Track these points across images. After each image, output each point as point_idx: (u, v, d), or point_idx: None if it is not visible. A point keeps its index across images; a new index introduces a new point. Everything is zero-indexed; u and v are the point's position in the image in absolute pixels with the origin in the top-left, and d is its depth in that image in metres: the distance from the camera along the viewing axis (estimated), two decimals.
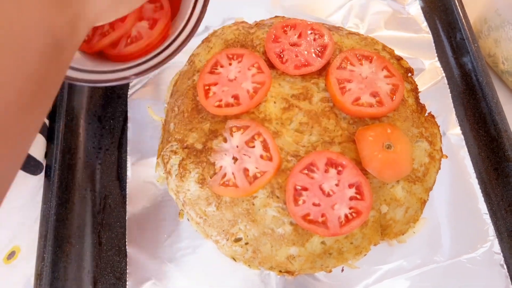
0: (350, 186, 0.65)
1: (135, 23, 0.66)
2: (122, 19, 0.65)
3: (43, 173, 0.73)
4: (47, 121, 0.76)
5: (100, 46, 0.65)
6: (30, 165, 0.69)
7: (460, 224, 0.74)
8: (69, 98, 0.83)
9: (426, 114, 0.77)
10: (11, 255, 0.69)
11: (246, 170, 0.67)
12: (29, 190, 0.71)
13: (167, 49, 0.65)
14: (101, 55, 0.67)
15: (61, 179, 0.75)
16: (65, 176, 0.76)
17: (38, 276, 0.68)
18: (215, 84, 0.74)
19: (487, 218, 0.74)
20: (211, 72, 0.76)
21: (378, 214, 0.68)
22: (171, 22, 0.68)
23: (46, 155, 0.77)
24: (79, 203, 0.76)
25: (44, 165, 0.74)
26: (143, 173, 0.79)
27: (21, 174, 0.66)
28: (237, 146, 0.69)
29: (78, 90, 0.85)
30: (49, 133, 0.79)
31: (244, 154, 0.68)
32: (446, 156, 0.76)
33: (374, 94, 0.72)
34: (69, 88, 0.83)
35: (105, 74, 0.63)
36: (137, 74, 0.63)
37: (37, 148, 0.71)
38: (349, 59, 0.76)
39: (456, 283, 0.71)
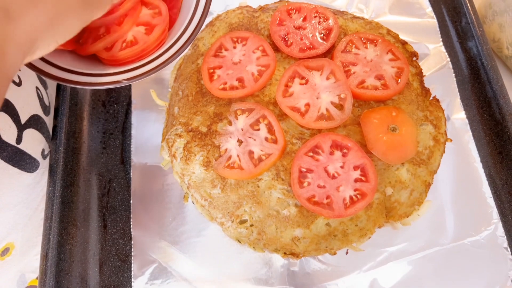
0: (355, 168, 0.65)
1: (131, 27, 0.65)
2: (119, 23, 0.64)
3: (38, 171, 0.72)
4: (45, 118, 0.75)
5: (94, 49, 0.64)
6: (26, 162, 0.68)
7: (464, 207, 0.74)
8: None
9: (431, 98, 0.77)
10: (5, 251, 0.69)
11: (251, 153, 0.67)
12: (23, 188, 0.69)
13: (162, 56, 0.65)
14: (94, 58, 0.66)
15: (66, 162, 0.75)
16: (70, 159, 0.77)
17: (44, 257, 0.69)
18: (220, 67, 0.74)
19: (491, 201, 0.74)
20: (216, 56, 0.75)
21: (383, 196, 0.68)
22: (169, 30, 0.68)
23: (52, 139, 0.77)
24: (84, 186, 0.77)
25: (41, 162, 0.73)
26: (148, 156, 0.79)
27: (16, 171, 0.65)
28: (242, 129, 0.69)
29: None
30: (54, 118, 0.79)
31: (249, 137, 0.68)
32: (451, 140, 0.76)
33: (379, 77, 0.72)
34: None
35: (97, 77, 0.62)
36: (129, 79, 0.63)
37: (33, 145, 0.71)
38: (354, 42, 0.75)
39: (460, 265, 0.71)
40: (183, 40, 0.65)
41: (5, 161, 0.62)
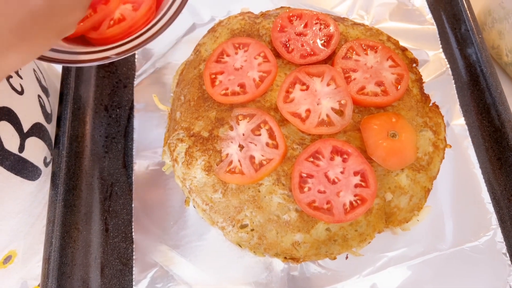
0: (355, 173, 0.66)
1: (118, 6, 0.65)
2: (105, 1, 0.64)
3: (40, 179, 0.73)
4: (48, 126, 0.76)
5: (82, 30, 0.64)
6: (28, 170, 0.69)
7: (463, 212, 0.74)
8: (76, 87, 0.83)
9: (431, 104, 0.77)
10: (7, 259, 0.69)
11: (252, 158, 0.68)
12: (26, 196, 0.70)
13: (150, 30, 0.65)
14: (82, 40, 0.66)
15: (69, 166, 0.76)
16: (73, 163, 0.77)
17: (46, 260, 0.69)
18: (221, 73, 0.75)
19: (490, 207, 0.75)
20: (218, 61, 0.76)
21: (383, 202, 0.68)
22: (158, 6, 0.68)
23: (55, 143, 0.77)
24: (86, 190, 0.77)
25: (43, 170, 0.74)
26: (150, 161, 0.80)
27: (18, 179, 0.65)
28: (243, 134, 0.70)
29: (85, 79, 0.86)
30: (57, 122, 0.80)
31: (250, 142, 0.69)
32: (450, 146, 0.77)
33: (379, 84, 0.73)
34: (76, 77, 0.84)
35: (86, 55, 0.62)
36: (119, 54, 0.63)
37: (36, 153, 0.71)
38: (354, 49, 0.76)
39: (459, 271, 0.71)
40: (170, 13, 0.65)
41: (8, 169, 0.62)
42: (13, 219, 0.67)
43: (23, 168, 0.66)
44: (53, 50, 0.61)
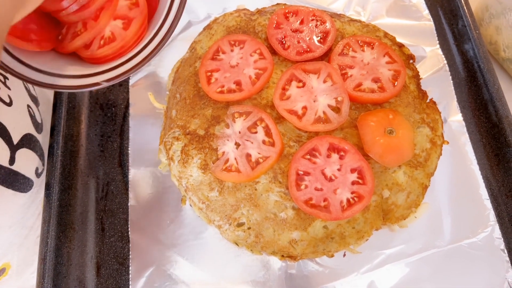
0: (352, 171, 0.65)
1: (108, 22, 0.63)
2: (95, 18, 0.62)
3: (32, 190, 0.72)
4: (38, 136, 0.75)
5: (73, 47, 0.63)
6: (19, 183, 0.67)
7: (461, 209, 0.74)
8: None
9: (428, 101, 0.77)
10: (1, 272, 0.68)
11: (248, 156, 0.67)
12: (18, 208, 0.69)
13: (141, 53, 0.63)
14: (75, 56, 0.65)
15: (64, 165, 0.75)
16: (68, 162, 0.77)
17: (42, 260, 0.69)
18: (217, 70, 0.74)
19: (488, 203, 0.75)
20: (213, 59, 0.76)
21: (380, 199, 0.68)
22: (148, 22, 0.65)
23: (50, 141, 0.77)
24: (82, 190, 0.77)
25: (35, 181, 0.73)
26: (145, 159, 0.79)
27: (10, 192, 0.65)
28: (240, 132, 0.69)
29: None
30: (51, 121, 0.79)
31: (247, 140, 0.68)
32: (448, 142, 0.76)
33: (376, 80, 0.72)
34: None
35: (76, 79, 0.61)
36: (109, 80, 0.61)
37: (27, 164, 0.69)
38: (350, 45, 0.76)
39: (457, 267, 0.71)
40: (162, 34, 0.63)
41: None
42: (6, 232, 0.66)
43: (14, 181, 0.65)
44: (43, 72, 0.59)
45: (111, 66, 0.62)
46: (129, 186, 0.77)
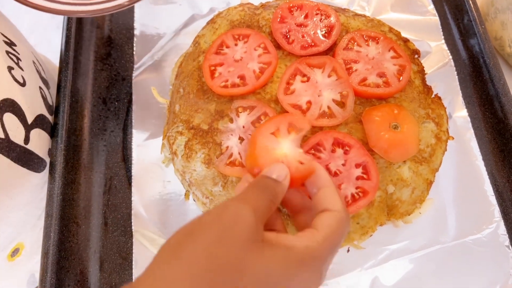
0: (357, 166, 0.65)
1: None
2: None
3: (46, 170, 0.72)
4: (50, 118, 0.75)
5: None
6: (34, 162, 0.68)
7: (465, 205, 0.74)
8: (74, 80, 0.82)
9: (433, 96, 0.76)
10: (15, 252, 0.68)
11: None
12: (32, 188, 0.69)
13: None
14: None
15: (67, 159, 0.75)
16: (71, 157, 0.76)
17: (45, 255, 0.69)
18: (221, 64, 0.74)
19: (493, 199, 0.74)
20: (217, 53, 0.75)
21: (385, 194, 0.68)
22: None
23: (52, 136, 0.77)
24: (85, 184, 0.76)
25: (48, 162, 0.73)
26: (149, 154, 0.79)
27: (24, 171, 0.65)
28: (243, 127, 0.69)
29: (82, 72, 0.85)
30: (54, 116, 0.79)
31: (250, 134, 0.68)
32: (453, 138, 0.76)
33: (380, 75, 0.72)
34: (74, 70, 0.83)
35: (97, 5, 0.63)
36: (132, 1, 0.63)
37: (40, 145, 0.70)
38: (355, 40, 0.75)
39: (461, 263, 0.71)
40: None
41: (14, 161, 0.62)
42: (21, 211, 0.67)
43: (29, 160, 0.66)
44: (62, 3, 0.61)
45: None
46: (132, 180, 0.77)
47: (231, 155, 0.68)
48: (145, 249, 0.72)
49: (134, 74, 0.86)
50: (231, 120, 0.70)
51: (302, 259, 0.41)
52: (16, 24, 0.73)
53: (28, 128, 0.65)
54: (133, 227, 0.74)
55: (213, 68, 0.74)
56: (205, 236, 0.38)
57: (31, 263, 0.71)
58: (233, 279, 0.36)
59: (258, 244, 0.40)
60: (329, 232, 0.44)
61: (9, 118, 0.60)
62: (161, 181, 0.77)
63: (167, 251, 0.38)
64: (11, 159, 0.61)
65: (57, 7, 0.61)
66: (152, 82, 0.85)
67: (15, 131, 0.61)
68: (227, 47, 0.75)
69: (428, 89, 0.76)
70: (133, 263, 0.72)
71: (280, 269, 0.39)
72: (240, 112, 0.70)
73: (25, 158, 0.65)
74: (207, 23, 0.84)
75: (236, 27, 0.79)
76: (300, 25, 0.76)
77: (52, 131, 0.75)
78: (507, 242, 0.72)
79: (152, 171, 0.78)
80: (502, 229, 0.73)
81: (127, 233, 0.74)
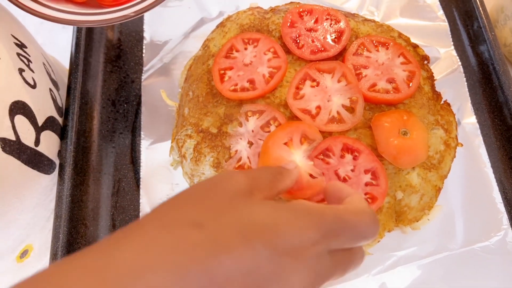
0: (366, 171, 0.65)
1: None
2: None
3: (55, 172, 0.72)
4: (60, 120, 0.76)
5: None
6: (44, 164, 0.68)
7: (474, 212, 0.74)
8: (84, 82, 0.83)
9: (442, 102, 0.76)
10: (24, 253, 0.68)
11: None
12: (42, 189, 0.69)
13: None
14: (94, 4, 0.66)
15: (76, 161, 0.75)
16: (80, 158, 0.77)
17: (54, 256, 0.69)
18: (231, 68, 0.74)
19: (501, 206, 0.74)
20: (227, 57, 0.75)
21: (393, 200, 0.68)
22: None
23: (62, 138, 0.77)
24: (94, 186, 0.77)
25: (58, 163, 0.74)
26: (157, 157, 0.79)
27: (34, 173, 0.65)
28: (253, 131, 0.69)
29: (92, 74, 0.85)
30: (64, 117, 0.79)
31: (259, 139, 0.68)
32: (462, 144, 0.76)
33: (390, 81, 0.72)
34: (84, 72, 0.83)
35: (104, 15, 0.62)
36: (138, 12, 0.62)
37: (50, 146, 0.70)
38: (365, 45, 0.75)
39: (469, 271, 0.70)
40: None
41: (25, 163, 0.62)
42: (30, 212, 0.67)
43: (39, 162, 0.66)
44: (67, 12, 0.61)
45: (136, 1, 0.63)
46: (141, 183, 0.77)
47: (240, 159, 0.68)
48: None
49: (143, 76, 0.87)
50: (240, 124, 0.70)
51: (302, 209, 0.36)
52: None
53: (38, 130, 0.65)
54: None
55: (222, 72, 0.74)
56: (193, 191, 0.38)
57: (40, 265, 0.71)
58: (216, 218, 0.33)
59: (248, 195, 0.37)
60: (355, 211, 0.39)
61: (20, 121, 0.61)
62: (169, 184, 0.77)
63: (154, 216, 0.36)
64: (22, 161, 0.61)
65: (63, 17, 0.61)
66: (161, 85, 0.86)
67: (26, 133, 0.62)
68: (237, 51, 0.75)
69: (437, 95, 0.76)
70: None
71: (269, 213, 0.35)
72: (249, 116, 0.70)
73: (36, 160, 0.65)
74: (217, 27, 0.84)
75: (246, 31, 0.80)
76: (310, 29, 0.76)
77: (62, 133, 0.75)
78: None
79: (160, 173, 0.78)
80: (510, 236, 0.72)
81: None
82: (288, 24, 0.77)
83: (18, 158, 0.60)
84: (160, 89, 0.85)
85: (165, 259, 0.29)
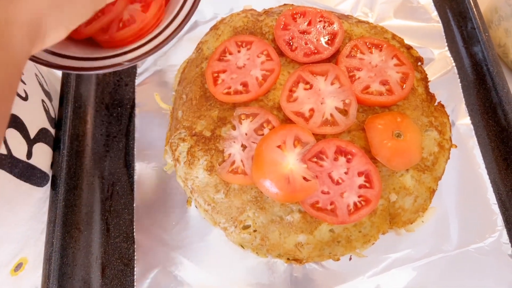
0: (359, 174, 0.65)
1: (126, 6, 0.63)
2: (113, 2, 0.61)
3: (48, 184, 0.72)
4: (53, 131, 0.75)
5: (90, 32, 0.62)
6: (37, 177, 0.68)
7: (468, 213, 0.74)
8: (77, 85, 0.83)
9: (436, 104, 0.76)
10: (18, 266, 0.68)
11: None
12: (35, 202, 0.69)
13: (162, 33, 0.62)
14: (90, 42, 0.64)
15: (69, 165, 0.75)
16: (73, 162, 0.76)
17: (47, 261, 0.69)
18: (224, 71, 0.74)
19: (495, 208, 0.74)
20: (220, 60, 0.75)
21: (387, 203, 0.68)
22: (165, 5, 0.66)
23: (55, 142, 0.77)
24: (87, 190, 0.76)
25: (51, 175, 0.73)
26: (151, 160, 0.79)
27: (27, 186, 0.65)
28: (246, 134, 0.69)
29: (86, 77, 0.85)
30: (57, 123, 0.79)
31: (253, 142, 0.68)
32: (456, 146, 0.76)
33: (384, 83, 0.72)
34: (77, 76, 0.83)
35: (98, 61, 0.60)
36: (131, 60, 0.61)
37: (43, 159, 0.70)
38: (358, 47, 0.75)
39: (464, 272, 0.70)
40: (182, 16, 0.63)
41: (17, 177, 0.61)
42: (24, 226, 0.67)
43: (31, 175, 0.65)
44: (63, 56, 0.59)
45: (132, 47, 0.62)
46: (135, 186, 0.77)
47: (233, 163, 0.68)
48: (147, 256, 0.72)
49: (137, 80, 0.86)
50: (234, 127, 0.70)
51: None
52: None
53: (30, 142, 0.65)
54: (135, 234, 0.74)
55: (216, 74, 0.74)
56: None
57: (35, 277, 0.71)
58: None
59: None
60: None
61: (12, 134, 0.60)
62: (163, 188, 0.77)
63: None
64: (14, 175, 0.60)
65: (55, 61, 0.59)
66: (155, 88, 0.85)
67: (17, 146, 0.61)
68: (230, 53, 0.75)
69: (431, 97, 0.76)
70: (135, 269, 0.71)
71: None
72: (243, 119, 0.70)
73: (28, 173, 0.65)
74: (210, 29, 0.84)
75: (239, 34, 0.80)
76: (303, 32, 0.76)
77: (55, 145, 0.75)
78: (510, 251, 0.71)
79: (154, 177, 0.78)
80: (505, 238, 0.72)
81: (129, 239, 0.74)
82: (281, 27, 0.77)
83: (10, 172, 0.60)
84: (154, 92, 0.85)
85: None
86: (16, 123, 0.61)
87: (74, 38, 0.63)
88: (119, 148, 0.81)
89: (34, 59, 0.57)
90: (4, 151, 0.58)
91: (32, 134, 0.65)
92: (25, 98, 0.65)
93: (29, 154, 0.64)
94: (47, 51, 0.58)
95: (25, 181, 0.64)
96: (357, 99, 0.70)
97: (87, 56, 0.60)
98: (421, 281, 0.70)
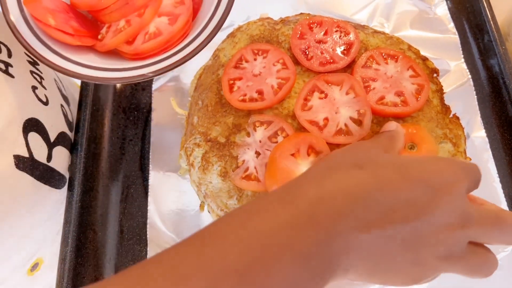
0: None
1: (153, 17, 0.63)
2: (139, 14, 0.62)
3: (65, 186, 0.74)
4: (70, 134, 0.77)
5: (115, 43, 0.63)
6: (55, 179, 0.70)
7: None
8: (96, 89, 0.84)
9: (451, 116, 0.76)
10: (35, 266, 0.70)
11: None
12: (52, 204, 0.71)
13: (188, 46, 0.62)
14: (115, 54, 0.65)
15: (86, 167, 0.77)
16: (90, 164, 0.78)
17: (62, 260, 0.70)
18: (240, 78, 0.75)
19: None
20: (236, 67, 0.76)
21: None
22: (193, 19, 0.66)
23: (73, 145, 0.79)
24: (103, 192, 0.78)
25: (68, 177, 0.75)
26: (166, 164, 0.80)
27: (46, 188, 0.67)
28: (260, 141, 0.70)
29: None
30: (76, 125, 0.81)
31: (267, 149, 0.69)
32: (470, 159, 0.75)
33: (398, 94, 0.72)
34: None
35: (122, 72, 0.61)
36: (156, 72, 0.60)
37: (61, 161, 0.72)
38: (374, 57, 0.76)
39: (476, 286, 0.70)
40: (208, 30, 0.63)
41: (38, 179, 0.63)
42: (41, 226, 0.69)
43: (51, 177, 0.67)
44: (86, 66, 0.60)
45: (157, 59, 0.62)
46: (149, 190, 0.78)
47: (247, 169, 0.68)
48: None
49: (154, 84, 0.88)
50: (248, 134, 0.71)
51: (458, 161, 0.45)
52: None
53: (50, 146, 0.66)
54: (148, 236, 0.75)
55: (232, 82, 0.75)
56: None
57: (50, 277, 0.72)
58: (371, 161, 0.41)
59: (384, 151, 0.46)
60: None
61: (34, 138, 0.62)
62: (177, 192, 0.78)
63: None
64: (35, 177, 0.62)
65: (82, 72, 0.59)
66: (172, 93, 0.87)
67: (38, 149, 0.63)
68: (247, 61, 0.76)
69: (446, 109, 0.76)
70: None
71: (418, 158, 0.43)
72: (257, 127, 0.71)
73: (48, 176, 0.66)
74: (227, 37, 0.85)
75: (256, 42, 0.81)
76: (319, 41, 0.77)
77: (72, 147, 0.77)
78: None
79: (168, 181, 0.79)
80: None
81: (142, 242, 0.75)
82: (298, 36, 0.77)
83: (31, 174, 0.61)
84: (170, 97, 0.86)
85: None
86: (37, 126, 0.63)
87: (98, 50, 0.65)
88: (134, 151, 0.83)
89: (61, 69, 0.58)
90: (26, 154, 0.59)
91: (52, 138, 0.67)
92: (46, 103, 0.67)
93: (49, 157, 0.66)
94: (71, 61, 0.60)
95: (44, 183, 0.65)
96: (372, 109, 0.70)
97: (111, 67, 0.61)
98: None
